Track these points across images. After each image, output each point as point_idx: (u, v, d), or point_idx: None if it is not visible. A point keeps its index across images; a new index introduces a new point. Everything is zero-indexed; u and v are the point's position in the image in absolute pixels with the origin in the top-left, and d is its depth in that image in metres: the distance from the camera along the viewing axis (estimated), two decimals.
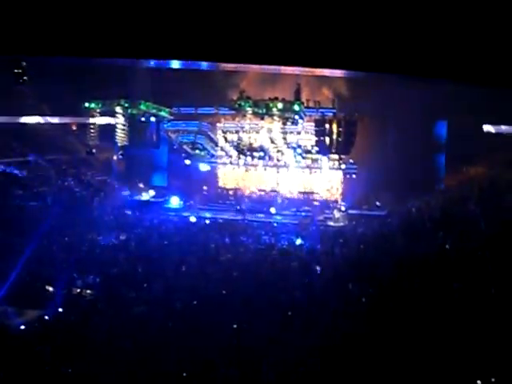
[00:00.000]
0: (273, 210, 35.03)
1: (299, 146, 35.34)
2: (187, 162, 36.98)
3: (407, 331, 13.97)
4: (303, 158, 35.56)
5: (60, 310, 20.18)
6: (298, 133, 34.91)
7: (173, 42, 3.92)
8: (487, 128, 28.83)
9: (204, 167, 38.25)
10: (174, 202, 37.19)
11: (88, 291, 21.99)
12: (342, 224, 33.05)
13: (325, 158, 34.93)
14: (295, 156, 35.58)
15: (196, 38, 3.89)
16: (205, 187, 38.17)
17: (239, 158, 36.78)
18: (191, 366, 15.72)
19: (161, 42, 3.93)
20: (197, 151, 37.20)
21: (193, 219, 34.35)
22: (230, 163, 37.99)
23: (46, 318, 19.72)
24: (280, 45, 3.73)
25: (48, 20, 3.83)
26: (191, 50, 3.96)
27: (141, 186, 38.97)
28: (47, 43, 3.97)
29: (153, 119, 34.70)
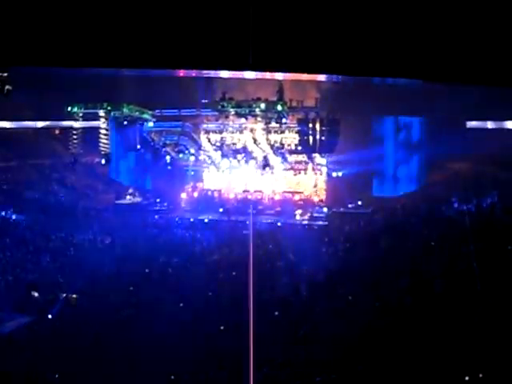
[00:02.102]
0: (257, 211, 35.05)
1: (283, 146, 35.35)
2: (169, 167, 36.91)
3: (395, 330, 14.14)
4: (287, 158, 35.60)
5: (46, 314, 20.11)
6: (282, 132, 34.92)
7: (155, 50, 3.99)
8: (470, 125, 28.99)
9: (188, 169, 38.24)
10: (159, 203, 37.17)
11: (74, 296, 21.90)
12: (327, 222, 33.12)
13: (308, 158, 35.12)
14: (279, 156, 35.60)
15: (178, 46, 3.97)
16: (189, 189, 38.20)
17: (222, 159, 36.72)
18: (179, 368, 15.78)
19: (143, 51, 3.99)
20: (180, 155, 37.06)
21: (178, 221, 34.43)
22: (214, 165, 37.96)
23: (33, 323, 19.65)
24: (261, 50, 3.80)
25: (26, 31, 3.88)
26: (175, 58, 4.02)
27: (125, 189, 38.83)
28: (28, 54, 4.02)
29: (136, 121, 34.52)
